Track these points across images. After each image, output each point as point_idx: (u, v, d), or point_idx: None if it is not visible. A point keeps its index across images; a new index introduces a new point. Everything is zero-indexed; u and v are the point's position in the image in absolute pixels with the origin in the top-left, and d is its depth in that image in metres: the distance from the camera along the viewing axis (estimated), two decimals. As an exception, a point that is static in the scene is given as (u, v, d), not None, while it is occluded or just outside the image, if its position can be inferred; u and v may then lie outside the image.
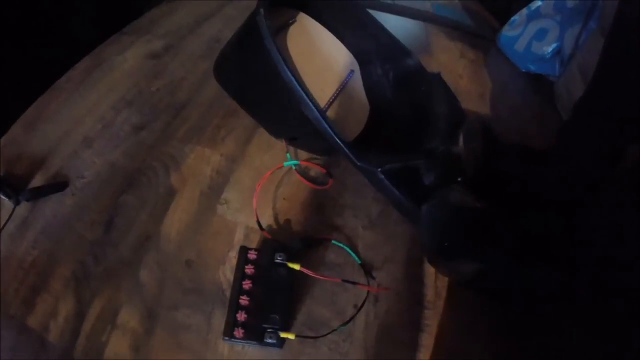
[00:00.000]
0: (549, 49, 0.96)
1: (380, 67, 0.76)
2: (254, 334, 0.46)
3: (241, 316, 0.47)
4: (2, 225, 0.62)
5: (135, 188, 0.67)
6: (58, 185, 0.66)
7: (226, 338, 0.47)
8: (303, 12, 0.74)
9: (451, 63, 1.02)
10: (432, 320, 0.56)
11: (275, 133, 0.69)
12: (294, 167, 0.68)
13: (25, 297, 0.58)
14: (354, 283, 0.55)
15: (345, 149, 0.52)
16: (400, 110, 0.74)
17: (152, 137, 0.74)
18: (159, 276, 0.58)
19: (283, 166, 0.66)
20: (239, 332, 0.46)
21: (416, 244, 0.61)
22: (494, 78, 1.01)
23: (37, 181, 0.68)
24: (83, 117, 0.76)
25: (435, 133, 0.66)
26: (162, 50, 0.90)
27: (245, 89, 0.65)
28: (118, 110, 0.77)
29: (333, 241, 0.60)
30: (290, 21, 0.71)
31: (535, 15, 1.01)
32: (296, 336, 0.47)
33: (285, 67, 0.51)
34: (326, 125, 0.51)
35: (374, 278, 0.58)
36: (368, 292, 0.56)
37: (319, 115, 0.51)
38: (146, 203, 0.65)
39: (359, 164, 0.52)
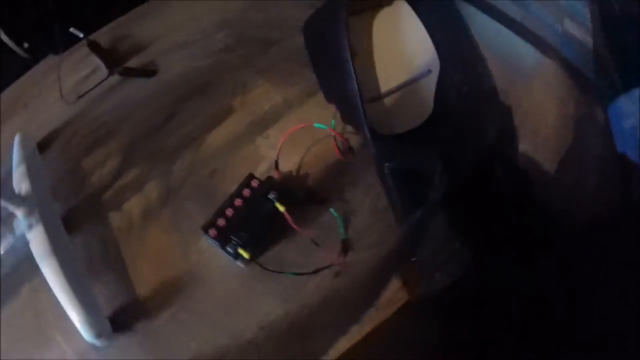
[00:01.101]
0: None
1: (457, 77, 0.78)
2: (222, 239, 0.58)
3: (221, 222, 0.59)
4: (94, 86, 0.81)
5: (203, 96, 0.81)
6: (148, 72, 0.83)
7: (203, 232, 0.58)
8: (403, -3, 0.78)
9: (544, 104, 0.97)
10: (372, 319, 0.61)
11: (327, 96, 0.77)
12: (326, 128, 0.74)
13: (88, 144, 0.76)
14: (317, 245, 0.62)
15: (366, 128, 0.57)
16: (456, 124, 0.76)
17: (236, 61, 0.87)
18: (187, 171, 0.72)
19: (313, 126, 0.73)
20: (212, 232, 0.58)
21: (401, 249, 0.66)
22: (582, 144, 0.95)
23: (132, 63, 0.85)
24: (188, 23, 0.93)
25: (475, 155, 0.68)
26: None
27: (316, 49, 0.74)
28: (219, 28, 0.92)
29: (331, 209, 0.67)
30: (385, 3, 0.75)
31: None
32: (250, 257, 0.57)
33: (344, 38, 0.58)
34: (358, 101, 0.57)
35: (345, 255, 0.65)
36: (330, 264, 0.62)
37: (356, 89, 0.57)
38: (205, 112, 0.79)
39: (373, 149, 0.58)
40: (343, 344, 0.60)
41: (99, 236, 0.71)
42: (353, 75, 0.59)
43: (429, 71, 0.80)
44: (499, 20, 1.13)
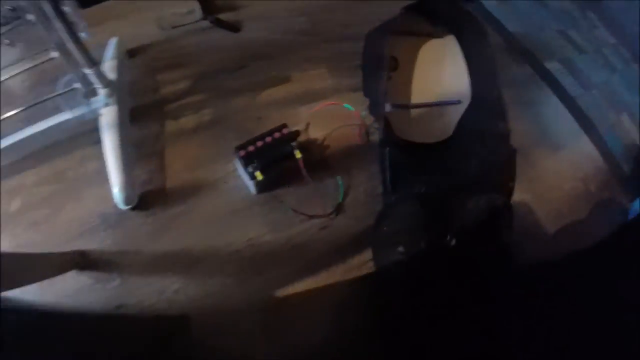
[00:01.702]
0: None
1: (480, 114, 1.01)
2: (246, 160, 0.81)
3: (250, 148, 0.81)
4: (188, 23, 1.12)
5: (270, 60, 1.07)
6: (234, 27, 1.11)
7: (235, 150, 0.82)
8: (456, 37, 1.05)
9: (564, 172, 1.17)
10: (338, 275, 0.84)
11: (364, 91, 1.02)
12: (353, 110, 1.01)
13: (168, 64, 1.04)
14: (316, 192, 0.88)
15: (382, 118, 0.84)
16: (464, 151, 1.00)
17: (305, 43, 1.13)
18: (239, 110, 0.99)
19: (343, 105, 1.01)
20: (241, 152, 0.81)
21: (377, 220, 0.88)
22: (594, 225, 1.14)
23: (223, 16, 1.15)
24: (280, 1, 1.23)
25: (467, 180, 0.93)
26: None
27: (367, 54, 1.02)
28: (301, 13, 1.19)
29: (338, 177, 0.91)
30: (436, 35, 1.04)
31: None
32: (262, 180, 0.81)
33: (386, 48, 0.85)
34: (381, 97, 0.84)
35: (335, 216, 0.89)
36: (322, 215, 0.87)
37: (383, 87, 0.84)
38: (268, 73, 1.06)
39: (381, 135, 0.84)
40: (306, 285, 0.82)
41: (153, 133, 0.95)
42: (384, 78, 0.85)
43: (459, 101, 1.02)
44: (554, 90, 1.37)
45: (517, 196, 1.05)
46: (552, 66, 1.43)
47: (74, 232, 0.88)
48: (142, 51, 1.12)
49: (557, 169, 1.18)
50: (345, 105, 0.98)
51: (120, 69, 1.00)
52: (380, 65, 0.90)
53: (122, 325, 0.72)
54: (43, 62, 0.82)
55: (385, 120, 0.89)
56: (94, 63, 0.87)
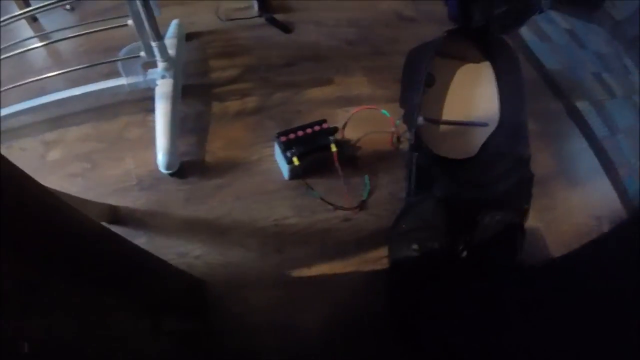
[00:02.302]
0: None
1: (505, 139, 1.06)
2: (286, 145, 0.87)
3: (291, 135, 0.87)
4: (244, 17, 1.20)
5: (315, 62, 1.15)
6: (286, 27, 1.19)
7: (276, 135, 0.88)
8: (490, 62, 1.11)
9: (577, 206, 1.19)
10: (353, 265, 0.89)
11: (400, 102, 1.08)
12: (389, 115, 1.04)
13: (221, 52, 1.13)
14: (345, 185, 0.93)
15: (414, 125, 0.89)
16: (485, 169, 1.04)
17: (349, 51, 1.21)
18: (282, 101, 1.07)
19: (380, 111, 1.06)
20: (282, 138, 0.87)
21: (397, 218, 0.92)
22: (598, 259, 1.16)
23: (278, 17, 1.23)
24: (330, 10, 1.29)
25: (484, 194, 0.96)
26: (407, 18, 1.36)
27: (406, 70, 1.08)
28: (349, 24, 1.27)
29: (366, 176, 0.96)
30: (471, 59, 1.09)
31: None
32: (298, 165, 0.86)
33: (425, 66, 0.90)
34: (415, 109, 0.89)
35: (359, 210, 0.93)
36: (348, 208, 0.92)
37: (418, 100, 0.89)
38: (312, 73, 1.13)
39: (411, 140, 0.89)
40: (321, 269, 0.87)
41: (198, 111, 1.02)
42: (421, 91, 0.91)
43: (486, 124, 1.08)
44: (580, 129, 1.40)
45: (529, 222, 1.08)
46: (582, 105, 1.47)
47: (110, 189, 0.94)
48: (198, 36, 1.20)
49: (572, 202, 1.21)
50: (383, 111, 1.04)
51: (178, 47, 1.07)
52: (418, 80, 0.96)
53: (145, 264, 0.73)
54: (115, 27, 0.87)
55: (417, 131, 0.93)
56: (160, 38, 0.94)
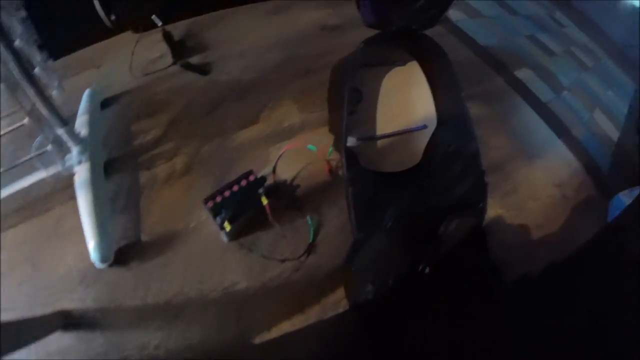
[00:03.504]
0: None
1: (448, 136, 0.99)
2: (215, 210, 0.81)
3: (218, 198, 0.81)
4: (158, 69, 1.11)
5: (239, 102, 1.07)
6: (203, 70, 1.11)
7: (203, 201, 0.82)
8: (417, 61, 1.02)
9: (539, 181, 1.15)
10: (315, 315, 0.82)
11: (329, 127, 1.01)
12: (315, 150, 0.98)
13: (140, 113, 1.04)
14: (284, 236, 0.86)
15: (344, 155, 0.81)
16: (434, 175, 0.98)
17: (274, 80, 1.13)
18: (210, 155, 0.98)
19: (307, 147, 0.99)
20: (210, 203, 0.81)
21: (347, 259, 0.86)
22: (574, 230, 1.11)
23: (194, 59, 1.14)
24: (249, 38, 1.20)
25: (435, 205, 0.90)
26: (331, 27, 1.28)
27: (331, 88, 0.99)
28: (271, 49, 1.19)
29: (308, 216, 0.90)
30: (398, 63, 1.01)
31: None
32: (230, 230, 0.80)
33: (347, 84, 0.83)
34: (342, 135, 0.81)
35: (307, 256, 0.87)
36: (294, 258, 0.86)
37: (344, 126, 0.81)
38: (238, 115, 1.05)
39: (345, 173, 0.81)
40: (283, 329, 0.81)
41: (127, 186, 0.95)
42: (345, 114, 0.83)
43: (425, 126, 1.01)
44: (525, 99, 1.33)
45: (492, 212, 1.04)
46: (524, 74, 1.40)
47: (56, 291, 0.87)
48: (116, 100, 1.13)
49: (532, 179, 1.15)
50: (310, 146, 0.97)
51: (92, 123, 1.00)
52: (341, 100, 0.88)
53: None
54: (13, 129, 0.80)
55: (351, 154, 0.88)
56: (65, 123, 0.88)
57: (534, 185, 1.15)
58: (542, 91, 1.39)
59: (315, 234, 0.90)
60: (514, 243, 1.03)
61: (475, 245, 0.87)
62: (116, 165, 0.99)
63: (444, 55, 0.98)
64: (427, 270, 0.82)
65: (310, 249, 0.88)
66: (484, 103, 1.24)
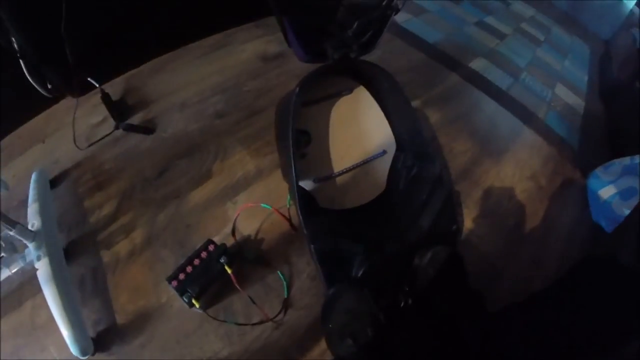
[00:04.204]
0: (628, 212, 0.98)
1: (409, 160, 0.97)
2: (181, 289, 0.79)
3: (181, 276, 0.80)
4: (101, 137, 1.07)
5: (189, 157, 1.04)
6: (147, 129, 1.07)
7: (167, 281, 0.80)
8: (364, 86, 0.99)
9: (511, 179, 1.14)
10: None
11: (283, 175, 0.99)
12: (270, 208, 0.95)
13: (91, 187, 1.00)
14: (254, 302, 0.83)
15: (299, 212, 0.79)
16: (402, 203, 0.96)
17: (221, 127, 1.10)
18: (167, 223, 0.95)
19: (260, 205, 0.96)
20: (174, 283, 0.79)
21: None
22: (556, 219, 1.10)
23: (137, 117, 1.10)
24: (190, 85, 1.16)
25: (407, 238, 0.88)
26: (273, 57, 1.24)
27: (278, 131, 0.96)
28: (214, 93, 1.15)
29: (279, 271, 0.88)
30: (344, 92, 0.97)
31: (632, 170, 1.07)
32: (200, 306, 0.79)
33: (290, 131, 0.80)
34: (295, 190, 0.78)
35: (285, 312, 0.86)
36: (268, 319, 0.84)
37: (294, 179, 0.79)
38: (189, 172, 1.02)
39: (304, 231, 0.79)
40: None
41: (92, 268, 0.92)
42: (293, 165, 0.80)
43: (384, 152, 1.00)
44: (485, 91, 1.31)
45: (468, 222, 1.02)
46: (478, 64, 1.38)
47: None
48: (65, 176, 1.09)
49: (503, 177, 1.15)
50: (263, 205, 0.94)
51: (44, 211, 0.97)
52: (287, 148, 0.84)
53: None
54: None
55: (309, 199, 0.84)
56: (13, 225, 0.84)
57: (507, 184, 1.14)
58: (500, 78, 1.36)
59: (289, 288, 0.88)
60: (495, 250, 1.02)
61: (453, 274, 0.86)
62: (77, 248, 0.96)
63: (389, 77, 0.96)
64: (409, 301, 0.82)
65: (287, 304, 0.87)
66: (444, 106, 1.21)
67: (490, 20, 1.60)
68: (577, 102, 1.46)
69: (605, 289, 0.65)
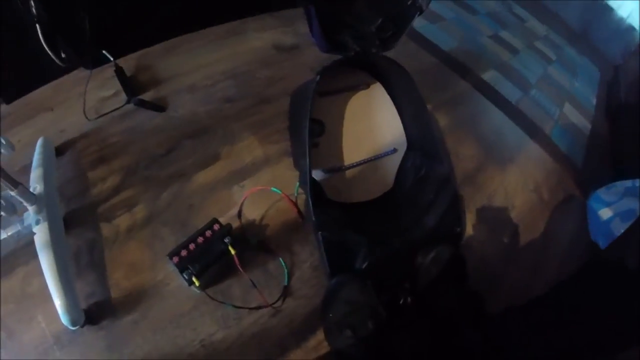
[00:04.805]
0: None
1: (418, 159, 0.97)
2: (181, 266, 0.77)
3: (183, 252, 0.77)
4: (112, 110, 1.05)
5: (197, 139, 1.02)
6: (158, 107, 1.06)
7: (168, 257, 0.78)
8: (380, 82, 0.98)
9: (514, 187, 1.14)
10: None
11: (294, 163, 0.98)
12: (280, 193, 0.94)
13: (96, 159, 0.98)
14: (254, 286, 0.81)
15: (310, 198, 0.78)
16: (407, 202, 0.95)
17: (231, 111, 1.08)
18: (170, 201, 0.93)
19: (270, 190, 0.94)
20: (175, 259, 0.77)
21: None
22: (555, 232, 1.10)
23: (148, 95, 1.08)
24: (202, 67, 1.15)
25: (411, 236, 0.87)
26: (287, 47, 1.23)
27: (292, 120, 0.95)
28: (225, 77, 1.14)
29: (280, 259, 0.87)
30: (361, 86, 0.97)
31: (634, 192, 1.08)
32: (200, 285, 0.76)
33: (306, 118, 0.79)
34: (307, 178, 0.77)
35: (284, 300, 0.84)
36: (266, 305, 0.82)
37: (307, 165, 0.78)
38: (197, 153, 1.00)
39: (312, 218, 0.78)
40: None
41: (90, 240, 0.90)
42: (307, 152, 0.78)
43: (395, 150, 0.99)
44: (493, 101, 1.31)
45: (470, 227, 1.02)
46: (489, 75, 1.38)
47: (31, 356, 0.82)
48: (71, 146, 1.07)
49: (506, 186, 1.14)
50: (273, 189, 0.93)
51: (47, 177, 0.95)
52: (302, 136, 0.84)
53: None
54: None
55: (317, 196, 0.83)
56: (16, 185, 0.82)
57: (510, 193, 1.13)
58: (510, 91, 1.37)
59: (290, 276, 0.87)
60: (495, 256, 1.02)
61: (455, 275, 0.85)
62: (76, 219, 0.94)
63: (406, 76, 0.95)
64: (409, 300, 0.81)
65: (286, 292, 0.85)
66: (452, 111, 1.21)
67: (504, 34, 1.61)
68: (583, 121, 1.46)
69: (609, 293, 0.64)
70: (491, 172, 1.14)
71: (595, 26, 2.05)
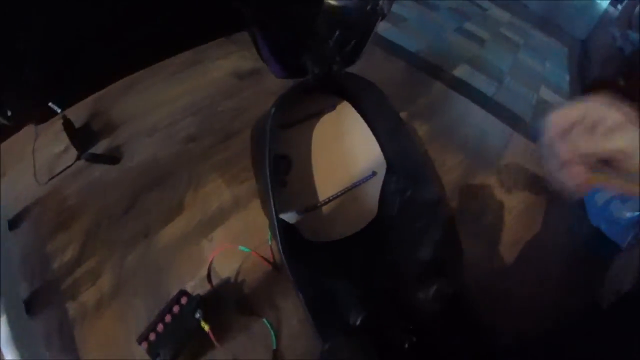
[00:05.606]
0: (628, 215, 0.90)
1: (402, 182, 0.82)
2: (152, 352, 0.64)
3: (152, 336, 0.65)
4: (63, 170, 0.89)
5: (160, 189, 0.88)
6: (112, 159, 0.90)
7: (137, 342, 0.65)
8: (348, 101, 0.83)
9: (512, 186, 1.01)
10: None
11: (262, 207, 0.83)
12: (249, 251, 0.80)
13: (53, 227, 0.84)
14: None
15: (283, 258, 0.63)
16: (396, 231, 0.80)
17: (195, 152, 0.94)
18: (137, 267, 0.79)
19: (238, 248, 0.80)
20: (144, 344, 0.65)
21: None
22: (551, 223, 0.97)
23: (102, 145, 0.94)
24: (160, 106, 1.00)
25: (405, 270, 0.73)
26: (248, 73, 1.07)
27: (254, 159, 0.79)
28: (185, 114, 0.99)
29: (264, 319, 0.73)
30: (326, 109, 0.81)
31: None
32: None
33: (267, 165, 0.63)
34: (275, 228, 0.62)
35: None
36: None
37: (275, 219, 0.62)
38: (160, 205, 0.86)
39: (290, 277, 0.63)
40: None
41: (57, 323, 0.76)
42: (271, 199, 0.63)
43: (374, 173, 0.85)
44: (470, 98, 1.17)
45: (466, 241, 0.87)
46: (462, 71, 1.23)
47: None
48: (25, 216, 0.92)
49: (499, 187, 1.00)
50: (241, 247, 0.78)
51: (2, 259, 0.78)
52: (264, 178, 0.67)
53: None
54: None
55: (292, 233, 0.68)
56: None
57: (504, 195, 1.00)
58: (484, 84, 1.23)
59: (278, 337, 0.72)
60: (498, 267, 0.90)
61: (462, 308, 0.71)
62: (40, 300, 0.80)
63: (376, 90, 0.80)
64: (413, 339, 0.67)
65: (276, 355, 0.71)
66: (430, 117, 1.07)
67: (469, 26, 1.48)
68: (562, 102, 1.33)
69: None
70: (480, 177, 1.02)
71: (556, 4, 1.93)
